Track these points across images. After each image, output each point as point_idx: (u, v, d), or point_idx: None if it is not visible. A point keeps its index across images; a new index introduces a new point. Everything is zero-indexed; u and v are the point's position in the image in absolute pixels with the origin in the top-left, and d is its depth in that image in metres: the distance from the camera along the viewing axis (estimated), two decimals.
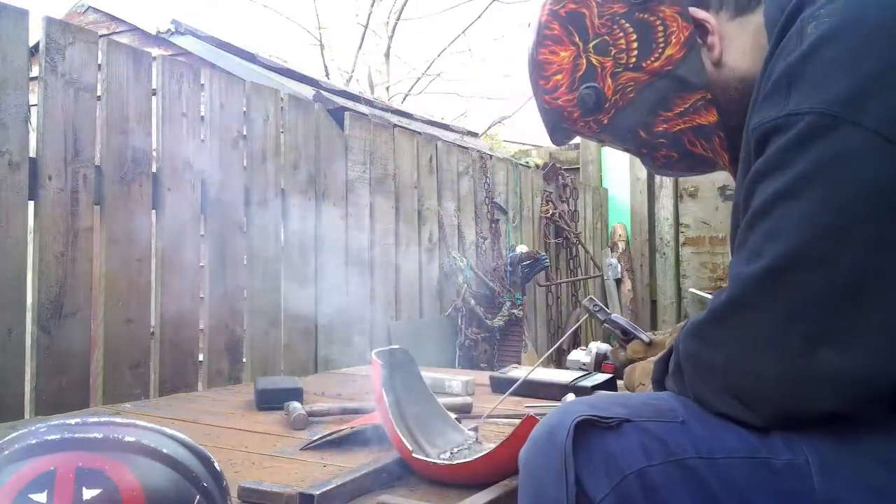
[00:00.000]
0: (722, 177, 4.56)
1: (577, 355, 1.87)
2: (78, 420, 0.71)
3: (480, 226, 3.76)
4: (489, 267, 3.75)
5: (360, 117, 2.95)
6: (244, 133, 2.35)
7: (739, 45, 0.93)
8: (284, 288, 2.46)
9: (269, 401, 1.59)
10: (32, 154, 1.78)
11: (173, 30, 3.58)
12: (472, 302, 3.44)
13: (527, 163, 4.79)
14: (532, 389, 1.65)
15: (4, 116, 1.70)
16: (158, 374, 2.05)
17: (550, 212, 4.57)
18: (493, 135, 8.10)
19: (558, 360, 3.43)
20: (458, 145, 3.83)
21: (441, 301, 3.40)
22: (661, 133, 1.00)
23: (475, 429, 1.25)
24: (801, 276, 0.69)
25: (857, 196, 0.69)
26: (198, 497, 0.71)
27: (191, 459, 0.73)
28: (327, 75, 8.82)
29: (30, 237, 1.78)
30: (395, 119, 3.66)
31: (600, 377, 1.68)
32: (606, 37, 0.99)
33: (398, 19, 10.13)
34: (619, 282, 5.44)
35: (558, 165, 4.95)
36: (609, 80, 1.00)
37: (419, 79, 10.92)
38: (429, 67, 10.85)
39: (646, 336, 1.41)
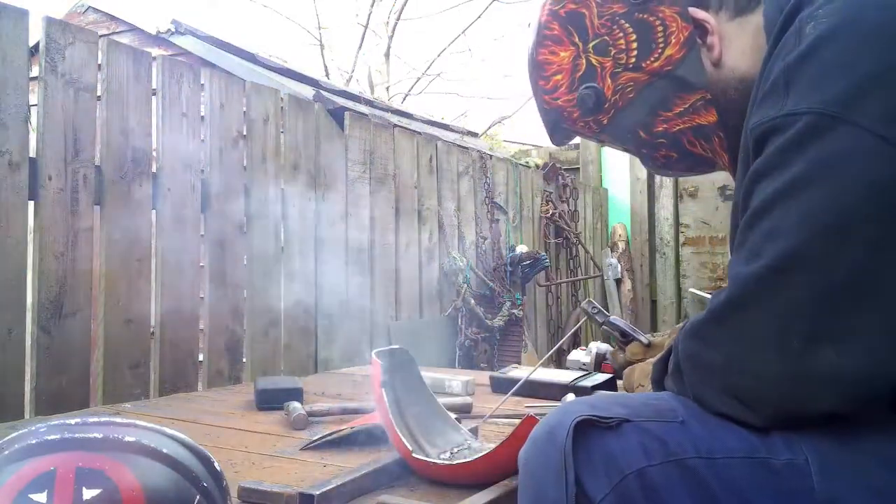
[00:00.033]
0: (722, 177, 4.56)
1: (577, 355, 1.87)
2: (78, 420, 0.71)
3: (480, 226, 3.76)
4: (489, 267, 3.75)
5: (360, 117, 2.95)
6: (244, 133, 2.35)
7: (739, 46, 0.93)
8: (284, 288, 2.46)
9: (269, 401, 1.59)
10: (32, 154, 1.78)
11: (173, 30, 3.58)
12: (472, 302, 3.44)
13: (527, 163, 4.79)
14: (532, 389, 1.65)
15: (4, 116, 1.70)
16: (158, 374, 2.05)
17: (550, 212, 4.57)
18: (493, 135, 8.10)
19: (558, 361, 3.43)
20: (458, 145, 3.83)
21: (441, 301, 3.40)
22: (660, 133, 1.00)
23: (475, 429, 1.25)
24: (800, 276, 0.69)
25: (856, 196, 0.69)
26: (198, 497, 0.71)
27: (191, 459, 0.73)
28: (327, 75, 8.82)
29: (30, 237, 1.78)
30: (395, 119, 3.66)
31: (600, 377, 1.68)
32: (606, 37, 1.00)
33: (398, 19, 10.13)
34: (619, 282, 5.44)
35: (558, 165, 4.95)
36: (609, 81, 1.01)
37: (419, 79, 10.93)
38: (429, 67, 10.85)
39: (644, 338, 1.41)
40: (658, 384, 0.91)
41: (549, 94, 1.06)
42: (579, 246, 4.85)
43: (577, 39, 1.01)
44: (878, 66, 0.70)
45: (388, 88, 10.10)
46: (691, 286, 5.43)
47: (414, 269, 3.21)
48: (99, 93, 1.95)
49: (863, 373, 0.69)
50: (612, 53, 0.99)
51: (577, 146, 5.78)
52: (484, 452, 1.04)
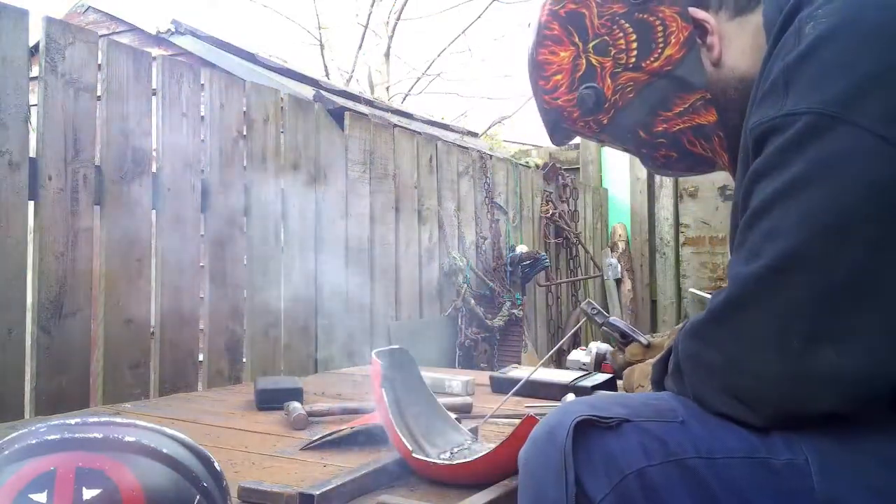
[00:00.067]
0: (722, 177, 4.56)
1: (577, 355, 1.87)
2: (78, 420, 0.71)
3: (480, 226, 3.76)
4: (489, 267, 3.75)
5: (360, 117, 2.95)
6: (244, 133, 2.35)
7: (739, 46, 0.93)
8: (284, 288, 2.46)
9: (269, 401, 1.59)
10: (32, 154, 1.78)
11: (173, 30, 3.58)
12: (472, 302, 3.44)
13: (527, 163, 4.79)
14: (532, 389, 1.65)
15: (4, 116, 1.70)
16: (158, 374, 2.05)
17: (550, 212, 4.57)
18: (493, 135, 8.11)
19: (558, 361, 3.43)
20: (458, 145, 3.83)
21: (441, 301, 3.40)
22: (660, 133, 1.00)
23: (475, 429, 1.25)
24: (800, 276, 0.69)
25: (856, 196, 0.69)
26: (198, 497, 0.71)
27: (191, 459, 0.73)
28: (327, 75, 8.83)
29: (30, 237, 1.78)
30: (395, 119, 3.66)
31: (600, 377, 1.68)
32: (606, 37, 1.00)
33: (398, 19, 10.13)
34: (619, 282, 5.44)
35: (558, 165, 4.95)
36: (609, 80, 1.01)
37: (419, 79, 10.93)
38: (429, 67, 10.86)
39: (644, 339, 1.41)
40: (658, 384, 0.91)
41: (549, 94, 1.06)
42: (579, 246, 4.85)
43: (577, 39, 1.01)
44: (878, 66, 0.70)
45: (388, 88, 10.10)
46: (691, 286, 5.43)
47: (414, 269, 3.21)
48: (99, 93, 1.95)
49: (863, 373, 0.69)
50: (612, 53, 1.00)
51: (577, 146, 5.78)
52: (484, 452, 1.04)
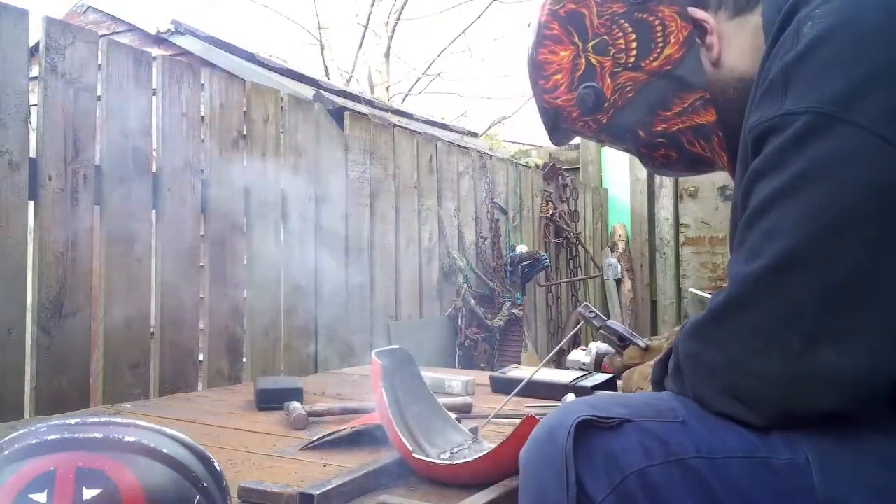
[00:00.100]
0: (722, 177, 4.56)
1: (577, 355, 1.86)
2: (78, 420, 0.71)
3: (480, 226, 3.76)
4: (489, 267, 3.75)
5: (360, 117, 2.95)
6: (244, 133, 2.35)
7: (738, 45, 0.93)
8: (284, 288, 2.46)
9: (269, 401, 1.59)
10: (32, 154, 1.78)
11: (173, 30, 3.58)
12: (472, 302, 3.44)
13: (527, 163, 4.79)
14: (532, 389, 1.65)
15: (4, 116, 1.70)
16: (158, 374, 2.05)
17: (550, 212, 4.57)
18: (493, 135, 8.11)
19: (558, 361, 3.43)
20: (458, 145, 3.84)
21: (441, 301, 3.40)
22: (659, 133, 1.00)
23: (475, 429, 1.25)
24: (799, 276, 0.69)
25: (855, 195, 0.69)
26: (198, 497, 0.71)
27: (191, 459, 0.73)
28: (327, 75, 8.83)
29: (30, 237, 1.78)
30: (395, 119, 3.66)
31: (600, 377, 1.68)
32: (606, 37, 1.00)
33: (398, 19, 10.13)
34: (619, 282, 5.44)
35: (558, 165, 4.95)
36: (608, 80, 1.01)
37: (419, 79, 10.94)
38: (429, 67, 10.86)
39: (642, 341, 1.41)
40: (658, 385, 0.91)
41: (548, 94, 1.06)
42: (579, 246, 4.85)
43: (576, 39, 1.02)
44: (876, 65, 0.70)
45: (388, 88, 10.10)
46: (691, 286, 5.43)
47: (414, 269, 3.21)
48: (99, 93, 1.95)
49: (863, 372, 0.69)
50: (612, 53, 1.00)
51: (577, 146, 5.78)
52: (484, 452, 1.04)
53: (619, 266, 5.44)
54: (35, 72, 1.84)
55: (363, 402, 1.50)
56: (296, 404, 1.48)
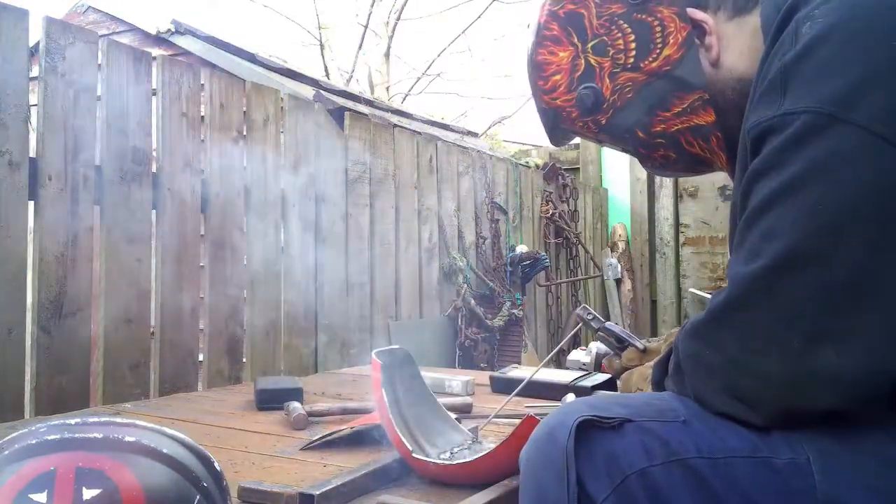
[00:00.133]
0: (722, 177, 4.55)
1: (577, 355, 1.86)
2: (78, 420, 0.71)
3: (480, 226, 3.76)
4: (489, 267, 3.75)
5: (360, 117, 2.95)
6: (244, 133, 2.36)
7: (737, 46, 0.93)
8: (284, 288, 2.46)
9: (269, 401, 1.59)
10: (32, 154, 1.78)
11: (173, 30, 3.58)
12: (472, 302, 3.44)
13: (527, 163, 4.79)
14: (532, 389, 1.65)
15: (4, 116, 1.70)
16: (158, 374, 2.05)
17: (550, 212, 4.57)
18: (493, 135, 8.11)
19: (558, 361, 3.43)
20: (458, 145, 3.84)
21: (441, 301, 3.40)
22: (658, 133, 1.00)
23: (475, 429, 1.25)
24: (799, 275, 0.69)
25: (855, 195, 0.69)
26: (198, 497, 0.71)
27: (191, 459, 0.73)
28: (327, 75, 8.83)
29: (30, 237, 1.78)
30: (395, 119, 3.66)
31: (600, 377, 1.68)
32: (605, 37, 1.00)
33: (398, 19, 10.14)
34: (619, 282, 5.44)
35: (558, 165, 4.95)
36: (607, 81, 1.01)
37: (419, 79, 10.94)
38: (429, 67, 10.87)
39: (640, 343, 1.41)
40: (658, 386, 0.91)
41: (547, 94, 1.06)
42: (579, 246, 4.85)
43: (575, 40, 1.02)
44: (875, 65, 0.70)
45: (388, 88, 10.10)
46: (691, 286, 5.43)
47: (414, 269, 3.21)
48: (99, 93, 1.95)
49: (863, 372, 0.69)
50: (611, 54, 1.00)
51: (577, 146, 5.78)
52: (484, 452, 1.04)
53: (619, 266, 5.44)
54: (35, 72, 1.84)
55: (363, 402, 1.50)
56: (296, 404, 1.48)
